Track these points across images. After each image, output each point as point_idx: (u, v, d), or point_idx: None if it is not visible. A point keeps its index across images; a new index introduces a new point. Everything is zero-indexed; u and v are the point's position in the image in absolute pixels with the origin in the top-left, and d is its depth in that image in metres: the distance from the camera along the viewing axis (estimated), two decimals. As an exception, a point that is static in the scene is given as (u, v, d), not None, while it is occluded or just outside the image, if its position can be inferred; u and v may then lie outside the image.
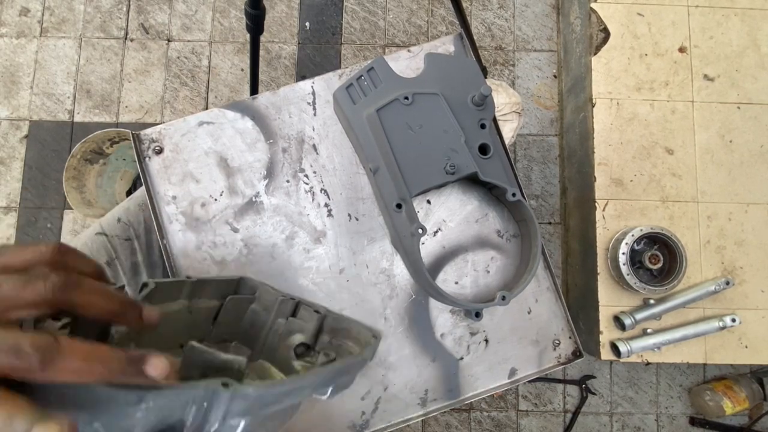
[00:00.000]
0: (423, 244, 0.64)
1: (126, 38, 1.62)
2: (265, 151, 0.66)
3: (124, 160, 1.45)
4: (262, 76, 1.60)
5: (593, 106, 1.34)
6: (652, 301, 1.23)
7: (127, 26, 1.63)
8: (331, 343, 0.50)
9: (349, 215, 0.65)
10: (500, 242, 0.66)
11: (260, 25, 1.02)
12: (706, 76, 1.35)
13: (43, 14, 1.62)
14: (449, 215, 0.65)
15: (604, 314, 1.26)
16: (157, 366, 0.28)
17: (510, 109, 1.19)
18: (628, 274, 1.19)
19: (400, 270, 0.65)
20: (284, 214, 0.64)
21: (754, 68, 1.35)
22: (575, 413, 1.53)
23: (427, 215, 0.65)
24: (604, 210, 1.29)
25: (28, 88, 1.59)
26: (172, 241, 0.62)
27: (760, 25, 1.37)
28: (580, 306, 1.41)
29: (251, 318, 0.51)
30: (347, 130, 0.65)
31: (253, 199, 0.64)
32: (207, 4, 1.64)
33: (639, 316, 1.22)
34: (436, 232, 0.65)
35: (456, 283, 0.64)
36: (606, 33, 1.37)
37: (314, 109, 0.67)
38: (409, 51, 0.68)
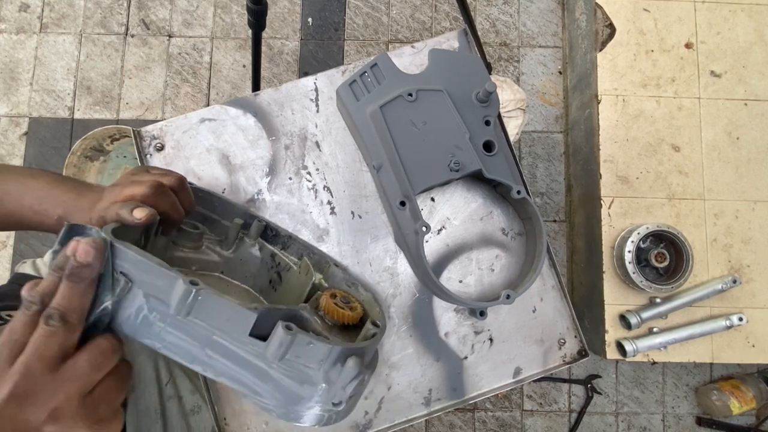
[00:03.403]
0: (427, 242, 0.64)
1: (126, 34, 1.62)
2: (268, 148, 0.65)
3: (125, 157, 1.45)
4: (264, 73, 1.59)
5: (599, 103, 1.33)
6: (658, 300, 1.22)
7: (127, 22, 1.62)
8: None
9: (352, 213, 0.64)
10: (505, 240, 0.65)
11: (262, 20, 1.01)
12: (712, 73, 1.34)
13: (42, 10, 1.61)
14: (453, 213, 0.65)
15: (610, 313, 1.25)
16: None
17: (515, 105, 1.18)
18: (633, 273, 1.18)
19: (403, 268, 0.64)
20: (287, 212, 0.64)
21: (761, 64, 1.34)
22: (580, 413, 1.53)
23: (431, 213, 0.65)
24: (609, 208, 1.28)
25: (27, 85, 1.58)
26: (172, 239, 0.62)
27: (768, 20, 1.35)
28: (585, 305, 1.40)
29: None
30: (350, 126, 0.64)
31: (256, 197, 0.64)
32: None
33: (645, 314, 1.21)
34: (440, 230, 0.64)
35: (460, 281, 0.64)
36: (612, 29, 1.36)
37: (317, 105, 0.66)
38: (412, 47, 0.68)
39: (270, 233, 0.61)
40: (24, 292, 0.35)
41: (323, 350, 0.39)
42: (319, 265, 0.60)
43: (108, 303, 0.37)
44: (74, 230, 0.38)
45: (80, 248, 0.35)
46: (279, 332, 0.38)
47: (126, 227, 0.43)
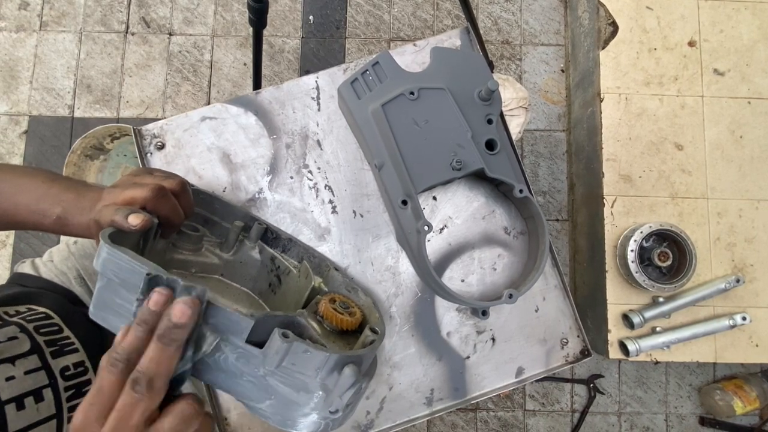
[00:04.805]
0: (429, 241, 0.63)
1: (127, 32, 1.61)
2: (269, 146, 0.65)
3: (125, 155, 1.44)
4: (265, 71, 1.58)
5: (601, 101, 1.33)
6: (661, 299, 1.22)
7: (128, 20, 1.62)
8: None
9: (354, 212, 0.64)
10: (507, 239, 0.65)
11: (263, 18, 1.01)
12: (716, 71, 1.33)
13: (42, 8, 1.61)
14: (455, 212, 0.64)
15: (613, 312, 1.25)
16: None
17: (517, 104, 1.17)
18: (636, 272, 1.18)
19: (405, 267, 0.64)
20: (288, 211, 0.63)
21: (765, 62, 1.33)
22: (583, 413, 1.52)
23: (433, 212, 0.64)
24: (612, 207, 1.28)
25: (27, 83, 1.58)
26: (173, 238, 0.61)
27: (772, 18, 1.34)
28: (588, 304, 1.39)
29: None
30: (352, 125, 0.64)
31: (257, 196, 0.63)
32: (209, -2, 1.63)
33: (648, 314, 1.20)
34: (442, 229, 0.64)
35: (462, 280, 0.63)
36: (614, 27, 1.35)
37: (318, 104, 0.66)
38: (414, 45, 0.67)
39: (270, 236, 0.61)
40: (113, 346, 0.35)
41: (320, 358, 0.39)
42: (319, 268, 0.60)
43: (189, 365, 0.37)
44: (154, 281, 0.36)
45: (177, 308, 0.34)
46: (275, 339, 0.38)
47: (123, 231, 0.42)
